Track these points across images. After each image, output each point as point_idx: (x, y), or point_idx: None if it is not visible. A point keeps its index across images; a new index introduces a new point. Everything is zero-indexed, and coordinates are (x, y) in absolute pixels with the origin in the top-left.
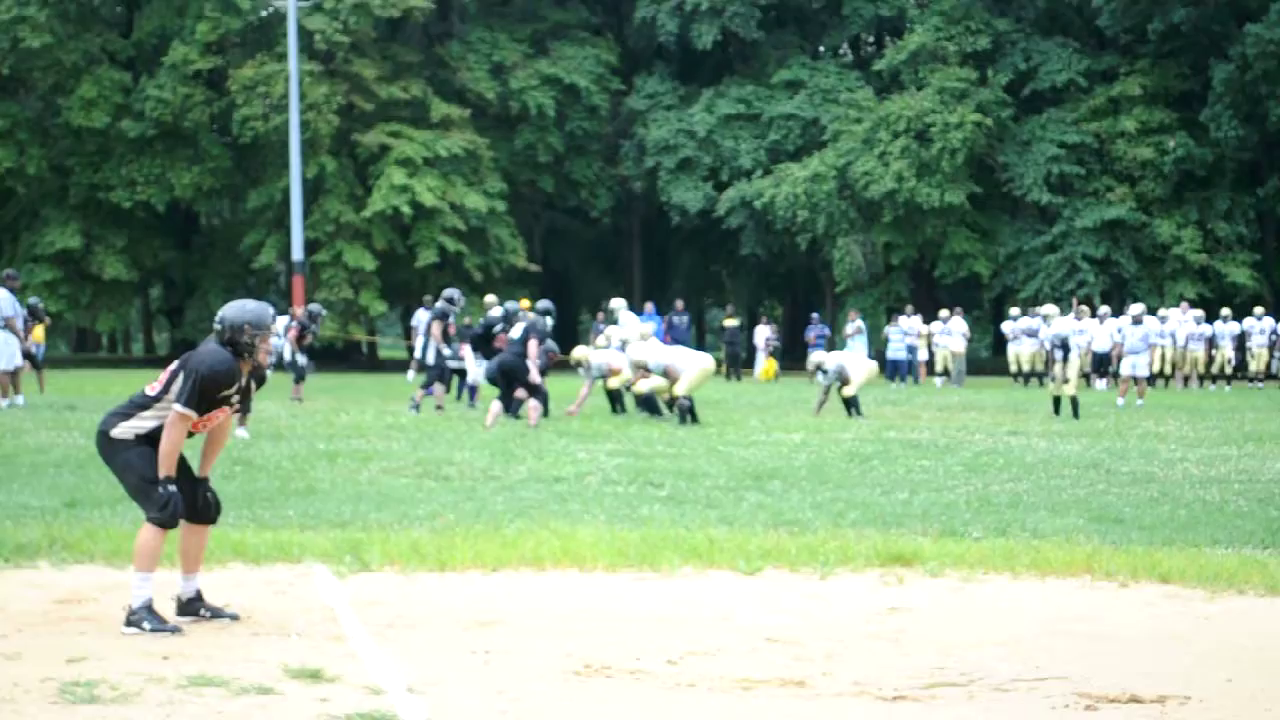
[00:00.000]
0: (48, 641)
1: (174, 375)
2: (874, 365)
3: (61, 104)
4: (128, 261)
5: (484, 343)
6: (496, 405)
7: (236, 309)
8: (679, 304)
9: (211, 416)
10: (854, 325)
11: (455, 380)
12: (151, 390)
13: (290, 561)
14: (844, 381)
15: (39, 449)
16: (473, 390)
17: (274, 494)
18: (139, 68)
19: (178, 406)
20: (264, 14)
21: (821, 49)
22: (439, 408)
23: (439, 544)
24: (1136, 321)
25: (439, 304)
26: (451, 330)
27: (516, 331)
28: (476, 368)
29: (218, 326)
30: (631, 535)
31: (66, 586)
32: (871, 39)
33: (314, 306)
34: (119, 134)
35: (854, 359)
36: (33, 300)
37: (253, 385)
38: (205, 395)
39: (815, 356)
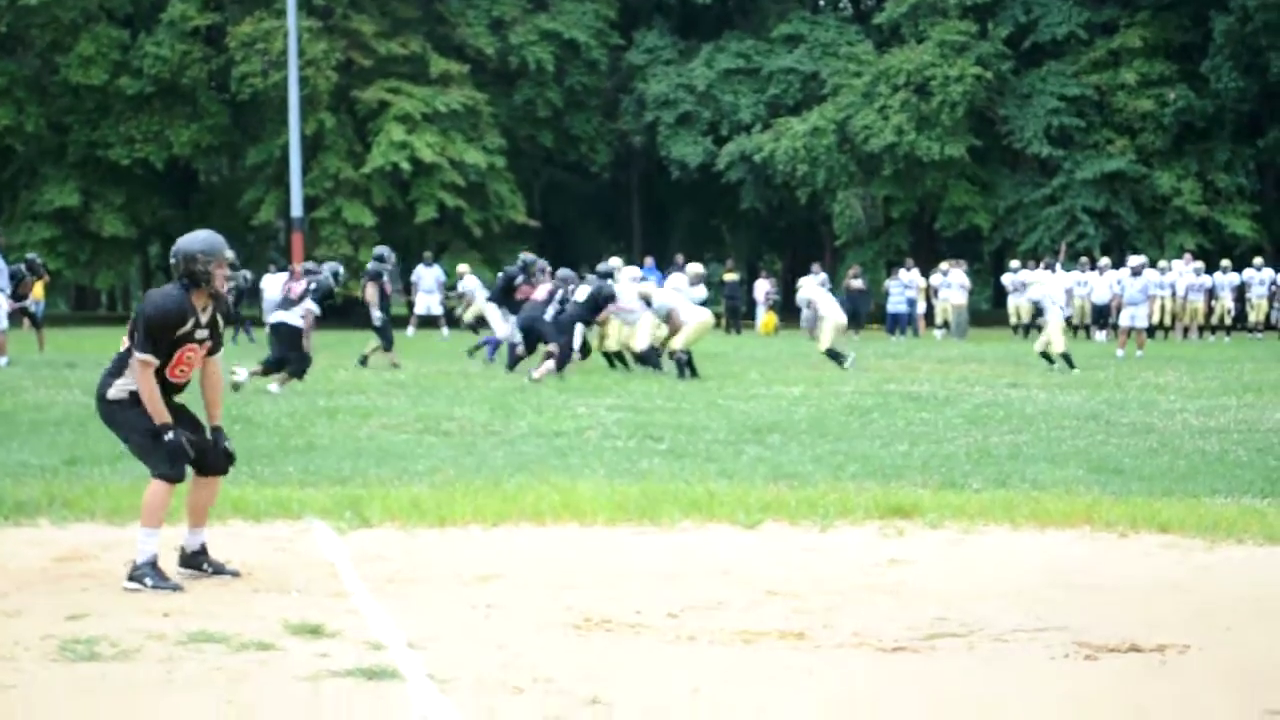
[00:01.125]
0: (48, 599)
1: (134, 325)
2: (840, 318)
3: (59, 61)
4: (126, 219)
5: (506, 296)
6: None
7: (188, 239)
8: (679, 258)
9: (182, 358)
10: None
11: (487, 344)
12: (124, 347)
13: (290, 518)
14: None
15: (38, 407)
16: (512, 347)
17: (274, 450)
18: (137, 25)
19: (137, 354)
20: None
21: (821, 2)
22: (395, 365)
23: (439, 499)
24: (1135, 273)
25: (370, 265)
26: (388, 289)
27: (581, 294)
28: (505, 324)
29: (173, 260)
30: (631, 489)
31: (67, 544)
32: None
33: (333, 265)
34: (117, 91)
35: (825, 298)
36: (30, 256)
37: (219, 321)
38: (162, 336)
39: (802, 291)
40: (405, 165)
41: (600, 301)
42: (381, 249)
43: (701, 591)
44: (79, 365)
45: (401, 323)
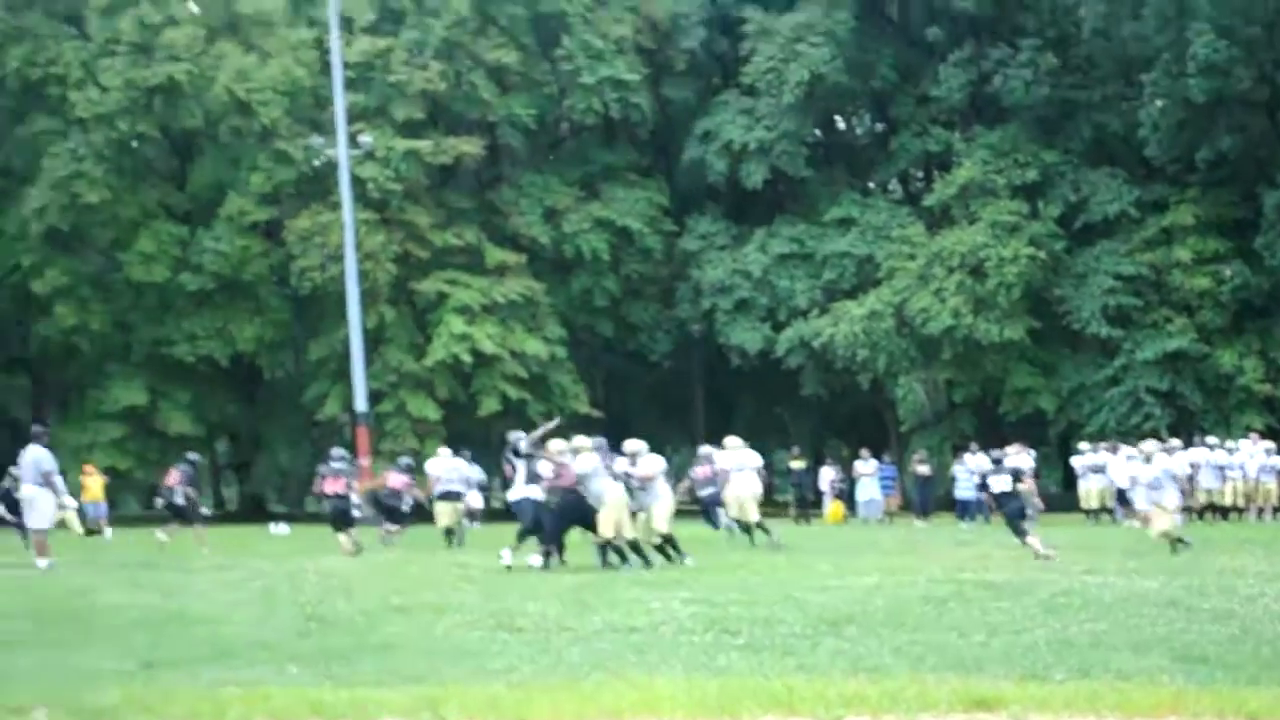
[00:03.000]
0: None
1: None
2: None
3: (121, 259)
4: (193, 416)
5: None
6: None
7: None
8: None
9: None
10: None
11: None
12: None
13: (368, 719)
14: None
15: (113, 609)
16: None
17: (349, 650)
18: (195, 220)
19: None
20: (316, 164)
21: (871, 185)
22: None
23: (516, 698)
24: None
25: (185, 468)
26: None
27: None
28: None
29: None
30: (710, 684)
31: None
32: (920, 174)
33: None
34: (178, 288)
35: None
36: (191, 456)
37: None
38: None
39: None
40: (466, 357)
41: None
42: (193, 455)
43: None
44: (154, 565)
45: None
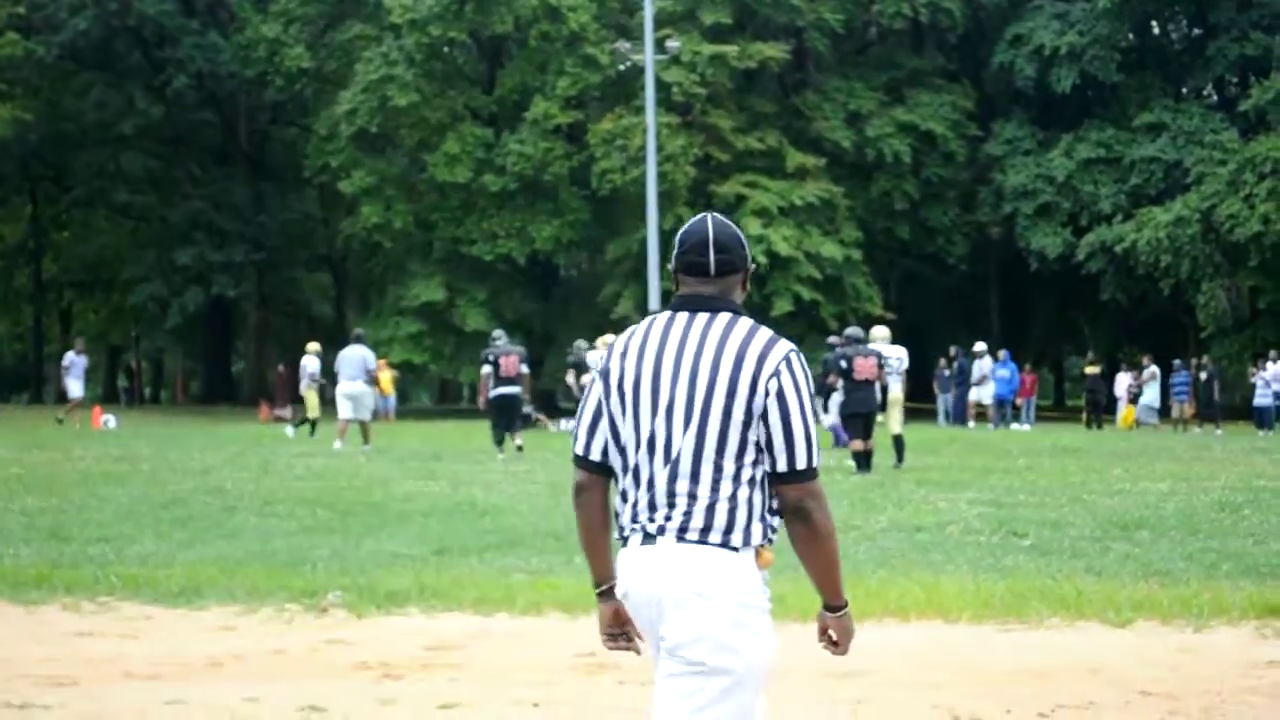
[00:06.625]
0: (419, 687)
1: None
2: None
3: (426, 160)
4: (489, 313)
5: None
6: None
7: None
8: (1000, 354)
9: None
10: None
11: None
12: None
13: None
14: None
15: (406, 497)
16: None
17: None
18: (500, 124)
19: None
20: (622, 68)
21: (1184, 90)
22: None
23: (800, 593)
24: None
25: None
26: None
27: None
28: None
29: None
30: (996, 585)
31: (436, 633)
32: (1236, 79)
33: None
34: (481, 188)
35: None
36: None
37: None
38: None
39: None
40: (762, 259)
41: None
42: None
43: (1072, 691)
44: (444, 457)
45: None
